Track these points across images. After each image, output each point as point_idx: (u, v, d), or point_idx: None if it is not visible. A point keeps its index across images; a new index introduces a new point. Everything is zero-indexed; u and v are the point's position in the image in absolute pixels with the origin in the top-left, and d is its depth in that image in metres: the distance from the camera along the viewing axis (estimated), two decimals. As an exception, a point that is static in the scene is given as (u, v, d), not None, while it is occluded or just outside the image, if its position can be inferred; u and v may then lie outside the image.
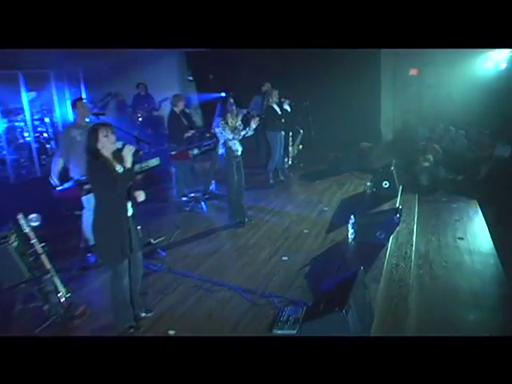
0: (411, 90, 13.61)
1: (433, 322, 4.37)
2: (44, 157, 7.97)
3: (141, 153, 4.01)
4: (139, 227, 4.13)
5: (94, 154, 3.65)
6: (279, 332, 3.75)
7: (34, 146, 7.84)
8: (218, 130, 6.13)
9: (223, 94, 11.58)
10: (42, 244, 4.13)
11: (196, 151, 7.06)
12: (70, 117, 7.88)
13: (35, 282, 4.13)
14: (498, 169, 9.63)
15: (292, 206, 7.45)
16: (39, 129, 8.12)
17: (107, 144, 3.66)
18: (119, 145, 3.72)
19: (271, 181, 8.63)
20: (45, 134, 8.19)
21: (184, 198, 7.51)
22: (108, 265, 3.88)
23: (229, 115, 6.12)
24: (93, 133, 3.66)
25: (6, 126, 7.73)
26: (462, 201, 8.39)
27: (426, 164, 9.36)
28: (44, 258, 4.09)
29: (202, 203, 7.29)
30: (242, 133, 6.24)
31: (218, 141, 6.40)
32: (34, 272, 4.15)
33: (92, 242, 4.94)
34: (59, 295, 4.06)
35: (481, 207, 8.08)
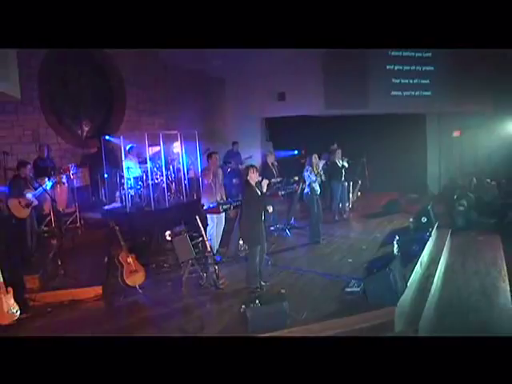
0: (455, 150, 15.88)
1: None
2: (168, 193, 10.87)
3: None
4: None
5: (246, 183, 6.46)
6: (348, 290, 6.26)
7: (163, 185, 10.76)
8: (306, 174, 8.93)
9: (296, 152, 14.43)
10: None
11: (283, 192, 9.76)
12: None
13: (199, 258, 6.89)
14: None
15: (353, 233, 10.05)
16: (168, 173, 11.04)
17: (254, 177, 6.44)
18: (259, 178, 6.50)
19: (336, 217, 11.20)
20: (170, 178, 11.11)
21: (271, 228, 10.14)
22: (250, 247, 6.56)
23: (314, 165, 8.95)
24: (246, 170, 6.48)
25: (143, 170, 10.66)
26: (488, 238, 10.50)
27: (461, 209, 11.64)
28: (205, 244, 6.85)
29: (287, 231, 9.95)
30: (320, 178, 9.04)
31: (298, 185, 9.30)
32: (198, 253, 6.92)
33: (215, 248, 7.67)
34: (215, 268, 6.75)
35: (503, 244, 10.15)
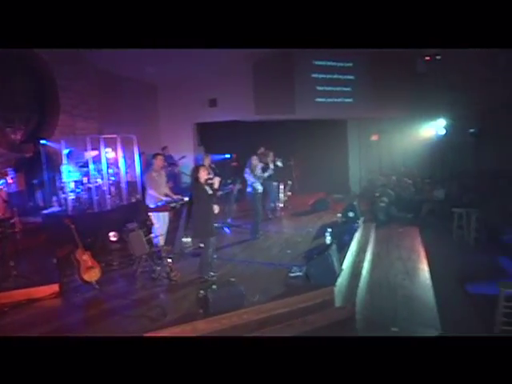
0: (373, 153, 17.16)
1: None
2: (109, 196, 11.12)
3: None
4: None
5: (196, 182, 6.99)
6: (292, 275, 6.97)
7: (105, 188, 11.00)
8: (246, 176, 9.58)
9: (228, 156, 15.09)
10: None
11: (221, 193, 10.35)
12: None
13: (153, 253, 7.33)
14: (435, 207, 13.16)
15: (287, 229, 10.86)
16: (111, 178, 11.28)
17: (203, 176, 6.99)
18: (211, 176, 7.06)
19: (270, 215, 11.94)
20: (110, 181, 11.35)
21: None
22: (204, 239, 7.09)
23: (253, 166, 9.62)
24: (195, 169, 7.01)
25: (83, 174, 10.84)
26: (407, 229, 11.71)
27: (382, 205, 12.80)
28: (159, 239, 7.31)
29: (226, 228, 10.55)
30: (261, 177, 9.74)
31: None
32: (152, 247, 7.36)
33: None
34: (168, 261, 7.22)
35: (420, 234, 11.40)
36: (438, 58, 14.64)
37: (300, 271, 6.99)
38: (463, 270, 9.27)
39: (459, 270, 9.26)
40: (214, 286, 6.07)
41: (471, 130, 14.21)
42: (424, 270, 8.45)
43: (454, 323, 6.68)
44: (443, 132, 16.06)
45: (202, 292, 6.02)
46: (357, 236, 9.15)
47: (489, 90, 15.03)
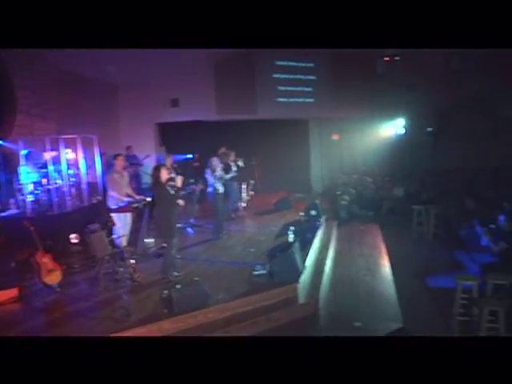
0: (334, 152, 17.38)
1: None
2: (69, 197, 10.93)
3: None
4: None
5: (157, 182, 6.94)
6: (256, 273, 7.00)
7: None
8: (207, 176, 9.56)
9: (190, 156, 15.04)
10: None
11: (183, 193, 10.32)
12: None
13: (115, 254, 7.25)
14: (395, 204, 13.45)
15: (250, 228, 10.90)
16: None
17: (164, 175, 6.95)
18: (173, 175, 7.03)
19: (232, 215, 11.95)
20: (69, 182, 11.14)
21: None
22: (167, 239, 7.04)
23: (214, 167, 9.61)
24: (156, 169, 6.96)
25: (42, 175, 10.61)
26: (369, 226, 11.93)
27: (344, 203, 12.99)
28: (121, 240, 7.23)
29: (189, 228, 10.52)
30: (222, 178, 9.73)
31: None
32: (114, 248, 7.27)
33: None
34: (131, 262, 7.15)
35: (381, 231, 11.63)
36: (396, 58, 14.93)
37: (263, 269, 7.04)
38: (423, 265, 9.52)
39: (419, 265, 9.50)
40: (177, 286, 6.07)
41: (429, 129, 14.57)
42: (385, 265, 8.63)
43: (414, 316, 6.86)
44: (402, 131, 16.47)
45: (165, 292, 6.00)
46: (319, 234, 9.26)
47: (445, 91, 15.49)
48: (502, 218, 8.75)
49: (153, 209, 7.40)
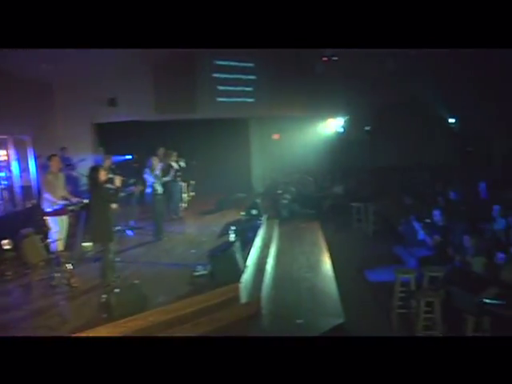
0: (275, 151, 17.48)
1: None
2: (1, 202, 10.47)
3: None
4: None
5: (94, 184, 6.73)
6: (197, 274, 6.92)
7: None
8: (146, 176, 9.37)
9: (130, 157, 14.69)
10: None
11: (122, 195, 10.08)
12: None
13: (50, 259, 6.98)
14: (335, 202, 13.68)
15: (191, 229, 10.78)
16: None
17: (102, 176, 6.74)
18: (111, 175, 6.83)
19: (173, 216, 11.79)
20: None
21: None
22: (104, 243, 6.83)
23: (153, 167, 9.43)
24: (93, 171, 6.74)
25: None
26: (309, 224, 12.06)
27: (285, 202, 13.10)
28: (56, 245, 6.96)
29: (129, 231, 10.29)
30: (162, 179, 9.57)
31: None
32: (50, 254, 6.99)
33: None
34: (67, 267, 6.90)
35: (322, 228, 11.79)
36: (334, 59, 15.19)
37: (204, 270, 6.97)
38: (363, 261, 9.75)
39: (359, 261, 9.73)
40: (116, 290, 5.89)
41: (366, 128, 14.92)
42: (326, 262, 8.75)
43: (355, 311, 6.99)
44: (341, 130, 16.77)
45: (104, 297, 5.82)
46: (260, 233, 9.27)
47: (381, 91, 15.92)
48: (436, 212, 9.05)
49: (90, 211, 7.15)
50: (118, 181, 6.96)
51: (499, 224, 8.64)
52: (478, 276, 6.63)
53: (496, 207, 8.89)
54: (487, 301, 5.91)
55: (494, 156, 16.62)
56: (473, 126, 15.59)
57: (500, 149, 16.66)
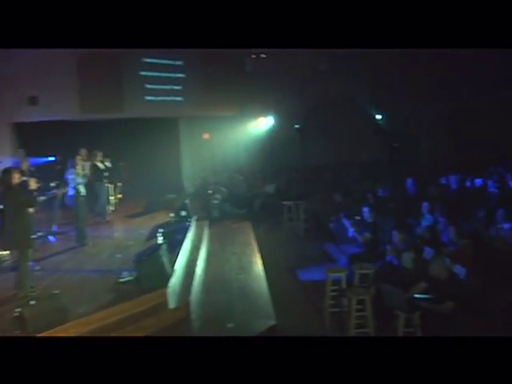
0: (206, 151, 17.25)
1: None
2: None
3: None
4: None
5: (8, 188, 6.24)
6: (122, 280, 6.58)
7: None
8: (70, 177, 8.88)
9: (53, 158, 13.98)
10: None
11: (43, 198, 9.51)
12: None
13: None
14: (267, 201, 13.61)
15: (118, 232, 10.37)
16: None
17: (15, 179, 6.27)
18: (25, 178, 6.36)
19: (100, 219, 11.29)
20: None
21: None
22: (21, 251, 6.35)
23: (78, 167, 8.96)
24: (5, 174, 6.25)
25: None
26: (241, 225, 11.90)
27: (216, 202, 12.88)
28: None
29: (51, 237, 9.72)
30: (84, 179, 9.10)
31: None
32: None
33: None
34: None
35: (253, 228, 11.65)
36: (262, 56, 15.15)
37: (130, 276, 6.65)
38: (295, 260, 9.71)
39: (291, 260, 9.68)
40: (32, 302, 5.46)
41: (296, 126, 14.98)
42: (258, 263, 8.61)
43: (288, 311, 6.90)
44: (272, 129, 16.77)
45: (17, 310, 5.38)
46: (190, 235, 9.01)
47: (310, 90, 16.06)
48: (366, 209, 9.12)
49: (4, 218, 6.65)
50: (32, 183, 6.51)
51: (427, 220, 8.83)
52: (408, 272, 6.70)
53: (425, 204, 9.09)
54: (417, 296, 5.95)
55: (420, 153, 17.20)
56: (399, 123, 16.02)
57: (425, 146, 17.28)
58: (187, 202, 10.62)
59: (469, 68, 15.30)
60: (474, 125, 16.29)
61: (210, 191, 13.37)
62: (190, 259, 8.13)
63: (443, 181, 12.63)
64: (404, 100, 15.65)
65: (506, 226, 7.82)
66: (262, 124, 17.12)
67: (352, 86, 15.73)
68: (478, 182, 12.05)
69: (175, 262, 7.08)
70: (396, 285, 6.03)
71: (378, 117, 17.02)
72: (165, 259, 6.49)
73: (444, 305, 5.76)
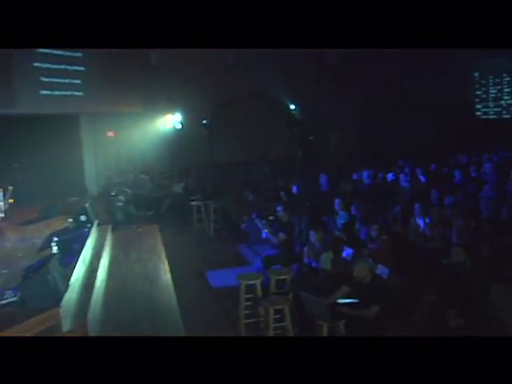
0: (110, 150, 16.31)
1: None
2: None
3: None
4: None
5: None
6: (4, 302, 5.66)
7: None
8: None
9: None
10: None
11: None
12: None
13: None
14: (175, 202, 12.95)
15: (7, 243, 9.17)
16: None
17: None
18: None
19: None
20: None
21: None
22: None
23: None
24: None
25: None
26: (147, 228, 11.13)
27: (120, 204, 12.01)
28: None
29: None
30: None
31: None
32: None
33: None
34: None
35: (161, 231, 10.92)
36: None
37: (14, 295, 5.74)
38: (206, 265, 9.14)
39: (202, 265, 9.11)
40: None
41: (204, 122, 14.48)
42: (165, 270, 7.92)
43: (199, 322, 6.36)
44: (179, 126, 16.14)
45: None
46: (89, 242, 8.13)
47: (218, 85, 15.65)
48: (279, 208, 8.72)
49: None
50: None
51: (342, 217, 8.58)
52: (327, 275, 6.33)
53: (337, 201, 8.84)
54: (340, 302, 5.56)
55: (331, 148, 17.29)
56: (314, 115, 15.90)
57: (335, 141, 17.39)
58: (87, 205, 9.69)
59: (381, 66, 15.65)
60: (381, 120, 16.66)
61: (113, 193, 12.46)
62: (89, 270, 7.27)
63: (355, 176, 12.59)
64: (318, 92, 15.65)
65: (421, 219, 7.74)
66: (169, 121, 16.41)
67: (263, 78, 15.42)
68: (390, 176, 12.11)
69: (71, 274, 6.26)
70: (316, 290, 5.61)
71: (292, 107, 16.85)
72: (56, 273, 5.65)
73: (369, 310, 5.41)
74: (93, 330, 5.59)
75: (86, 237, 8.04)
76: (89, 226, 8.71)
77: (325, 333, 5.33)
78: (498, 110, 19.53)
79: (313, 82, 16.27)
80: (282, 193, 11.02)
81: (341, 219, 8.52)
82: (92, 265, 7.52)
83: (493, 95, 19.67)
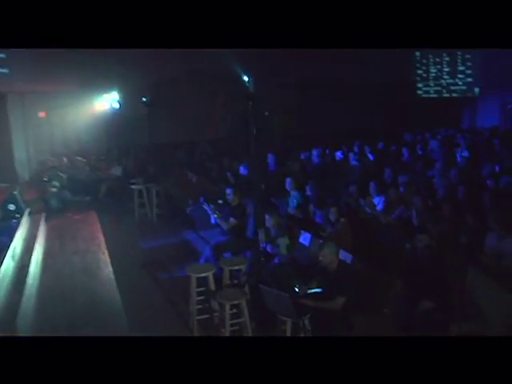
0: (42, 131, 15.31)
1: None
2: None
3: None
4: None
5: None
6: None
7: None
8: None
9: None
10: None
11: None
12: None
13: None
14: (114, 186, 12.23)
15: None
16: None
17: None
18: None
19: None
20: None
21: None
22: None
23: None
24: None
25: None
26: (85, 215, 10.38)
27: (54, 190, 11.16)
28: None
29: None
30: None
31: None
32: None
33: None
34: None
35: (100, 218, 10.22)
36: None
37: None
38: (149, 254, 8.58)
39: (145, 254, 8.53)
40: None
41: (143, 99, 13.74)
42: (106, 261, 7.29)
43: (145, 318, 5.85)
44: (117, 105, 15.30)
45: None
46: (19, 234, 7.36)
47: (157, 62, 14.97)
48: (229, 191, 8.18)
49: None
50: None
51: (294, 198, 8.18)
52: (287, 263, 5.89)
53: (288, 180, 8.43)
54: (309, 291, 5.10)
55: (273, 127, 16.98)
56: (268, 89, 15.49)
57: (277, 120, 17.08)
58: (16, 192, 8.87)
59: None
60: (323, 99, 16.52)
61: (45, 178, 11.58)
62: (20, 266, 6.53)
63: (303, 156, 12.27)
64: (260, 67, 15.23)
65: (377, 199, 7.49)
66: (105, 100, 15.50)
67: (204, 60, 14.79)
68: (339, 155, 11.88)
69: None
70: (276, 281, 5.17)
71: (246, 79, 16.28)
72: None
73: (335, 301, 5.02)
74: (22, 331, 4.96)
75: (15, 228, 7.25)
76: (18, 215, 7.88)
77: (288, 329, 4.92)
78: (439, 89, 19.70)
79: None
80: (228, 173, 10.54)
81: (293, 200, 8.10)
82: (22, 259, 6.78)
83: (433, 74, 19.81)
